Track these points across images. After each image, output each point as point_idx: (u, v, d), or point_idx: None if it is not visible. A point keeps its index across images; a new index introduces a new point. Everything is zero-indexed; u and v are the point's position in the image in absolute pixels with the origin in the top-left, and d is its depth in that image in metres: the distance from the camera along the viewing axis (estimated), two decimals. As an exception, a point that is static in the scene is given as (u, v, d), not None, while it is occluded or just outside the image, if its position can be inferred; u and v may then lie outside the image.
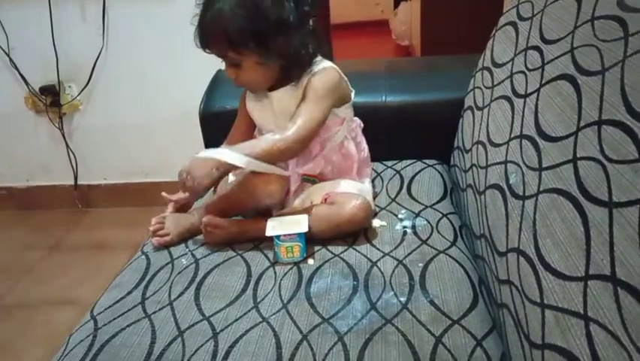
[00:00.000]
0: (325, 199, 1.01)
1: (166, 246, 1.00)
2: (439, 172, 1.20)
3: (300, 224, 0.93)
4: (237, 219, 1.02)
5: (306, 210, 0.99)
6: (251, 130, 1.12)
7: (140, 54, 1.94)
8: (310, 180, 1.05)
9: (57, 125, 2.06)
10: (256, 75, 0.99)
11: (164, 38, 1.91)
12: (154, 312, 0.83)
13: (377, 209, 1.07)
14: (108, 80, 1.98)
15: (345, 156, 1.06)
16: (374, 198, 1.09)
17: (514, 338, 0.67)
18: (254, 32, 0.92)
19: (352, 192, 1.00)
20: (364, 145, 1.11)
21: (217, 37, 0.94)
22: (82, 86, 1.99)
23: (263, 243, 0.98)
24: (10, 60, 1.96)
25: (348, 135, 1.07)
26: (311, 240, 0.95)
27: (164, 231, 1.01)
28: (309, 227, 0.94)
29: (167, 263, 0.95)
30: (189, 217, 1.04)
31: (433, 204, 1.07)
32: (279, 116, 1.02)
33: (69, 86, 2.01)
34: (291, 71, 0.99)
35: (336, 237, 0.97)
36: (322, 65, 1.01)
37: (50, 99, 2.00)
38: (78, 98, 2.02)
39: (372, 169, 1.20)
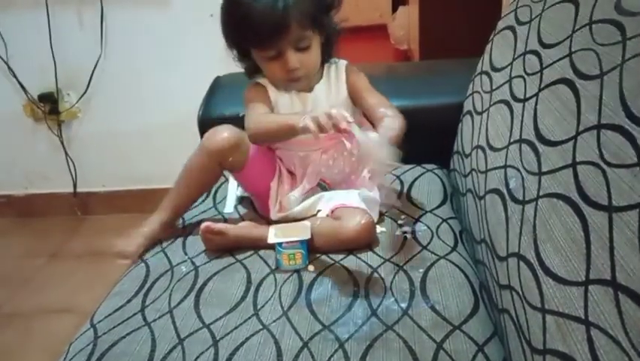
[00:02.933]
0: (332, 211, 1.00)
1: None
2: (439, 177, 1.19)
3: (302, 231, 0.93)
4: (236, 226, 1.02)
5: (310, 221, 0.99)
6: None
7: (138, 61, 1.94)
8: (323, 186, 1.05)
9: (56, 132, 2.06)
10: (318, 58, 1.01)
11: (163, 45, 1.91)
12: (154, 320, 0.83)
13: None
14: (106, 88, 1.98)
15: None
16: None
17: (515, 343, 0.67)
18: (320, 8, 0.97)
19: (360, 207, 0.98)
20: None
21: (289, 22, 0.92)
22: (80, 94, 1.99)
23: (263, 249, 0.98)
24: (9, 68, 1.96)
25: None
26: (312, 251, 0.95)
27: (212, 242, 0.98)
28: (312, 240, 0.93)
29: (167, 271, 0.95)
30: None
31: (433, 209, 1.07)
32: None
33: (67, 94, 2.01)
34: (324, 55, 1.02)
35: (339, 251, 0.96)
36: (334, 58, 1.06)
37: (49, 107, 2.00)
38: (76, 105, 2.02)
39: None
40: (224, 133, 1.02)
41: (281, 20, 0.93)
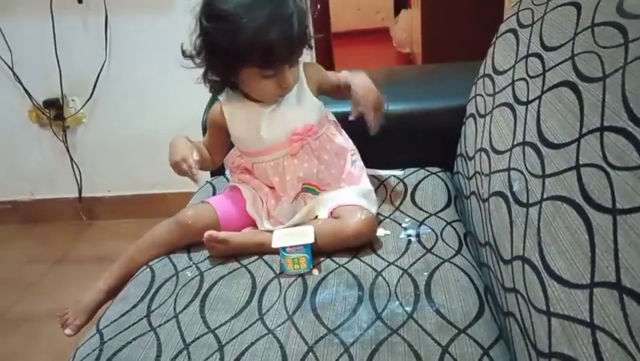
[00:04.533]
0: (331, 213, 1.01)
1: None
2: (443, 180, 1.19)
3: (306, 235, 0.93)
4: (239, 233, 1.02)
5: (311, 224, 0.99)
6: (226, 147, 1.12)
7: (142, 67, 1.95)
8: (311, 189, 1.05)
9: (61, 138, 2.07)
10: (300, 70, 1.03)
11: (167, 51, 1.90)
12: (159, 325, 0.83)
13: (381, 218, 1.07)
14: (111, 93, 1.99)
15: (338, 154, 1.07)
16: (378, 206, 1.09)
17: (520, 346, 0.67)
18: (307, 25, 0.97)
19: (358, 204, 0.99)
20: (349, 138, 1.12)
21: (299, 42, 0.96)
22: (85, 100, 2.00)
23: (267, 254, 0.98)
24: (14, 74, 1.97)
25: (335, 130, 1.09)
26: (316, 252, 0.95)
27: (220, 247, 0.98)
28: (315, 243, 0.94)
29: (172, 276, 0.95)
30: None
31: (438, 212, 1.07)
32: (270, 125, 1.02)
33: (72, 100, 2.02)
34: None
35: (341, 250, 0.97)
36: None
37: (54, 113, 2.01)
38: (81, 111, 2.03)
39: (375, 177, 1.20)
40: (194, 217, 1.02)
41: (296, 44, 0.95)
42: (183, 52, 1.00)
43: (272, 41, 0.91)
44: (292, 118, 1.02)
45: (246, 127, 1.04)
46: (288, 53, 0.95)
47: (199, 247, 1.02)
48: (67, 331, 1.02)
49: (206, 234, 0.97)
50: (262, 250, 0.98)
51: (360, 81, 1.04)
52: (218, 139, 1.09)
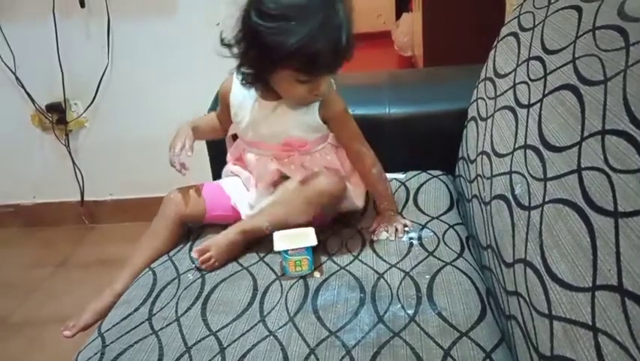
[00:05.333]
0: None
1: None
2: (445, 183, 1.20)
3: (307, 237, 0.94)
4: (222, 234, 1.01)
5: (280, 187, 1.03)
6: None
7: (145, 71, 1.95)
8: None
9: (63, 142, 2.07)
10: None
11: (169, 55, 1.92)
12: (161, 328, 0.83)
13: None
14: (113, 97, 2.00)
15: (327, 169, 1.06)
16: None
17: (523, 349, 0.67)
18: (354, 37, 0.96)
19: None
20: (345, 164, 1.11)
21: (344, 52, 0.94)
22: (87, 104, 2.01)
23: (268, 256, 0.98)
24: (17, 78, 1.97)
25: (330, 151, 1.09)
26: (316, 251, 0.95)
27: (211, 261, 0.98)
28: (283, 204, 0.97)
29: (174, 279, 0.95)
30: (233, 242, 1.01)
31: (440, 215, 1.07)
32: (269, 124, 1.04)
33: (75, 104, 2.02)
34: None
35: (305, 214, 0.98)
36: None
37: (56, 117, 2.02)
38: (84, 115, 2.03)
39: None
40: (178, 192, 1.09)
41: (345, 55, 0.94)
42: (222, 40, 0.99)
43: (318, 50, 0.90)
44: (291, 127, 1.03)
45: (250, 115, 1.05)
46: (331, 64, 0.95)
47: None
48: (66, 332, 1.02)
49: (195, 255, 0.98)
50: (247, 237, 1.00)
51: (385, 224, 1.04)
52: (225, 112, 1.12)
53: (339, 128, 1.08)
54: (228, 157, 1.17)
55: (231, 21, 0.95)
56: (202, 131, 1.14)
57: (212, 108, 1.23)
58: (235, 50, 0.98)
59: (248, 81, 1.02)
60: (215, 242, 0.99)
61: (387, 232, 1.02)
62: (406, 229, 1.03)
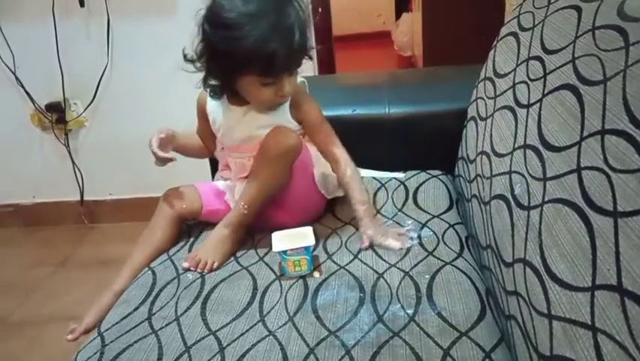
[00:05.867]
0: None
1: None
2: (444, 183, 1.20)
3: (306, 237, 0.94)
4: (204, 240, 1.03)
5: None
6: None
7: (144, 70, 1.96)
8: None
9: (63, 141, 2.07)
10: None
11: (168, 54, 1.90)
12: (161, 328, 0.83)
13: (383, 219, 1.07)
14: (113, 97, 2.00)
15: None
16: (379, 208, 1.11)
17: (522, 349, 0.67)
18: (308, 35, 0.98)
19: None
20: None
21: (299, 52, 0.97)
22: (87, 103, 2.01)
23: (268, 256, 0.98)
24: (16, 78, 1.97)
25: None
26: (315, 252, 0.95)
27: (205, 263, 0.98)
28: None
29: (174, 278, 0.95)
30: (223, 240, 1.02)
31: (440, 214, 1.07)
32: (242, 127, 1.06)
33: (74, 103, 2.03)
34: None
35: (273, 178, 0.99)
36: None
37: (56, 116, 2.02)
38: (83, 114, 2.04)
39: (376, 179, 1.20)
40: (175, 190, 1.11)
41: (296, 54, 0.97)
42: (185, 56, 1.02)
43: (273, 51, 0.92)
44: (264, 129, 1.03)
45: (224, 122, 1.09)
46: (288, 63, 0.97)
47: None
48: (69, 336, 1.02)
49: (185, 266, 0.98)
50: (233, 228, 1.01)
51: (372, 235, 1.00)
52: (205, 126, 1.14)
53: (313, 133, 1.09)
54: (220, 166, 1.19)
55: (191, 37, 0.99)
56: (182, 140, 1.15)
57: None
58: (198, 64, 1.01)
59: (215, 92, 1.06)
60: (203, 246, 1.01)
61: (395, 240, 0.99)
62: (409, 235, 1.01)
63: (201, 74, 1.02)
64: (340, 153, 1.06)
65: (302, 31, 0.96)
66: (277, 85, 0.98)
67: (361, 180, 1.07)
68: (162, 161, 1.07)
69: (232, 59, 0.95)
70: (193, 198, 1.10)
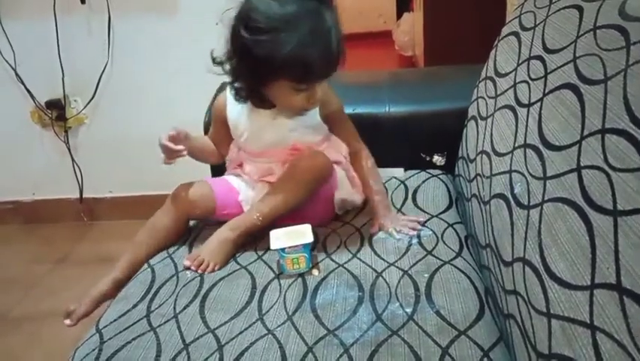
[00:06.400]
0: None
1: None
2: (444, 182, 1.19)
3: (304, 235, 0.93)
4: (209, 239, 1.00)
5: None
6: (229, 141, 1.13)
7: (144, 68, 1.96)
8: None
9: (62, 139, 2.07)
10: None
11: (169, 52, 1.93)
12: (159, 325, 0.83)
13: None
14: (113, 94, 2.00)
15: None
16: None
17: (521, 348, 0.66)
18: (343, 41, 0.97)
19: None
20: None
21: (336, 58, 0.96)
22: (87, 100, 2.01)
23: (267, 254, 0.98)
24: (17, 75, 1.97)
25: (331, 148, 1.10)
26: (316, 249, 0.95)
27: (207, 265, 0.96)
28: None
29: (172, 276, 0.95)
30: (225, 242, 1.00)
31: (439, 213, 1.07)
32: (273, 132, 1.05)
33: (74, 100, 2.03)
34: None
35: (295, 196, 0.98)
36: None
37: (56, 113, 2.02)
38: (83, 112, 2.04)
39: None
40: (190, 188, 1.06)
41: (336, 62, 0.96)
42: (213, 58, 1.00)
43: (311, 58, 0.91)
44: (296, 131, 1.04)
45: (250, 127, 1.06)
46: (325, 70, 0.96)
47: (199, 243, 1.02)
48: (67, 321, 1.02)
49: (186, 265, 0.97)
50: (239, 233, 0.99)
51: (385, 225, 1.02)
52: (221, 131, 1.11)
53: (338, 127, 1.09)
54: (228, 166, 1.16)
55: (222, 40, 0.97)
56: (195, 142, 1.10)
57: (209, 122, 1.22)
58: (227, 67, 0.99)
59: (242, 96, 1.04)
60: (206, 246, 0.98)
61: (396, 231, 1.00)
62: (415, 225, 1.02)
63: (219, 74, 1.00)
64: (362, 146, 1.11)
65: (338, 37, 0.95)
66: (310, 91, 0.97)
67: (379, 174, 1.10)
68: (172, 155, 1.01)
69: (267, 64, 0.92)
70: (207, 199, 1.06)
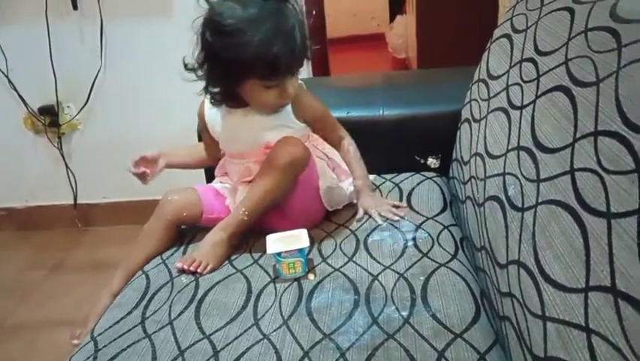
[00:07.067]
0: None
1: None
2: (438, 184, 1.20)
3: (300, 239, 0.93)
4: (200, 243, 1.02)
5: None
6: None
7: (138, 73, 1.95)
8: None
9: (56, 145, 2.06)
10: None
11: (162, 57, 1.91)
12: (154, 332, 0.82)
13: (378, 221, 1.07)
14: (106, 100, 1.99)
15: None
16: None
17: (517, 351, 0.67)
18: (307, 36, 1.00)
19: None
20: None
21: (301, 53, 0.98)
22: (80, 106, 2.00)
23: (262, 258, 0.98)
24: (9, 81, 1.96)
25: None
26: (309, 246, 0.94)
27: (203, 266, 0.97)
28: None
29: (167, 282, 0.95)
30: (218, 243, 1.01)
31: (434, 216, 1.07)
32: (245, 132, 1.07)
33: (68, 106, 2.02)
34: None
35: (277, 187, 0.99)
36: None
37: (49, 119, 2.01)
38: (77, 117, 2.03)
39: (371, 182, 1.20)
40: (176, 194, 1.09)
41: (301, 56, 0.99)
42: (185, 65, 1.02)
43: (275, 54, 0.93)
44: (268, 129, 1.05)
45: (224, 130, 1.09)
46: (290, 65, 0.98)
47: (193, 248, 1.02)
48: (75, 341, 1.02)
49: (178, 268, 0.97)
50: (230, 232, 1.00)
51: (367, 206, 1.09)
52: (208, 135, 1.15)
53: (319, 125, 1.12)
54: (216, 173, 1.18)
55: (189, 45, 0.99)
56: (172, 158, 1.18)
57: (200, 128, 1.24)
58: (199, 73, 1.02)
59: (217, 99, 1.06)
60: (199, 248, 1.00)
61: (380, 216, 1.06)
62: (395, 210, 1.07)
63: (193, 80, 1.02)
64: (345, 134, 1.14)
65: (302, 32, 0.98)
66: (280, 87, 1.00)
67: (361, 158, 1.13)
68: (140, 177, 1.12)
69: (235, 65, 0.95)
70: (193, 203, 1.08)
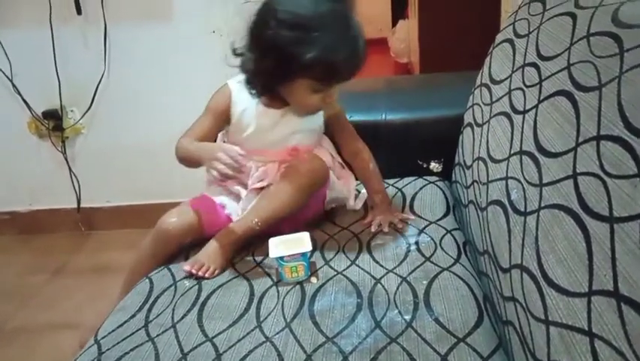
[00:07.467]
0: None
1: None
2: (441, 189, 1.20)
3: (302, 243, 0.93)
4: (206, 246, 0.99)
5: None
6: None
7: (141, 77, 1.96)
8: None
9: (60, 149, 2.07)
10: None
11: (166, 62, 1.93)
12: (157, 335, 0.83)
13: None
14: (110, 104, 2.00)
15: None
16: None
17: (520, 355, 0.66)
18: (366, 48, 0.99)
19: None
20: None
21: (363, 60, 0.97)
22: (84, 110, 2.01)
23: (265, 262, 0.98)
24: (13, 86, 1.97)
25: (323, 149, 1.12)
26: (313, 257, 0.95)
27: (207, 269, 0.96)
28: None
29: (170, 285, 0.95)
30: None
31: (437, 220, 1.07)
32: (276, 131, 1.05)
33: (71, 111, 2.02)
34: None
35: (292, 200, 0.98)
36: None
37: (53, 124, 2.01)
38: (80, 122, 2.03)
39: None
40: (173, 218, 1.03)
41: (360, 64, 0.97)
42: (234, 50, 0.98)
43: (338, 60, 0.92)
44: (299, 133, 1.05)
45: (252, 124, 1.04)
46: (349, 74, 0.97)
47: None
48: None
49: (186, 270, 0.96)
50: (237, 238, 0.98)
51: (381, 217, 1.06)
52: (215, 125, 1.07)
53: (340, 129, 1.11)
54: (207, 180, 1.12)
55: (239, 31, 0.95)
56: None
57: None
58: (245, 60, 0.98)
59: (257, 91, 1.01)
60: (205, 251, 0.98)
61: (386, 226, 1.04)
62: (404, 222, 1.05)
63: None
64: (364, 147, 1.12)
65: (363, 41, 0.96)
66: (327, 92, 0.98)
67: (379, 173, 1.12)
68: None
69: (294, 61, 0.91)
70: (193, 224, 1.03)
